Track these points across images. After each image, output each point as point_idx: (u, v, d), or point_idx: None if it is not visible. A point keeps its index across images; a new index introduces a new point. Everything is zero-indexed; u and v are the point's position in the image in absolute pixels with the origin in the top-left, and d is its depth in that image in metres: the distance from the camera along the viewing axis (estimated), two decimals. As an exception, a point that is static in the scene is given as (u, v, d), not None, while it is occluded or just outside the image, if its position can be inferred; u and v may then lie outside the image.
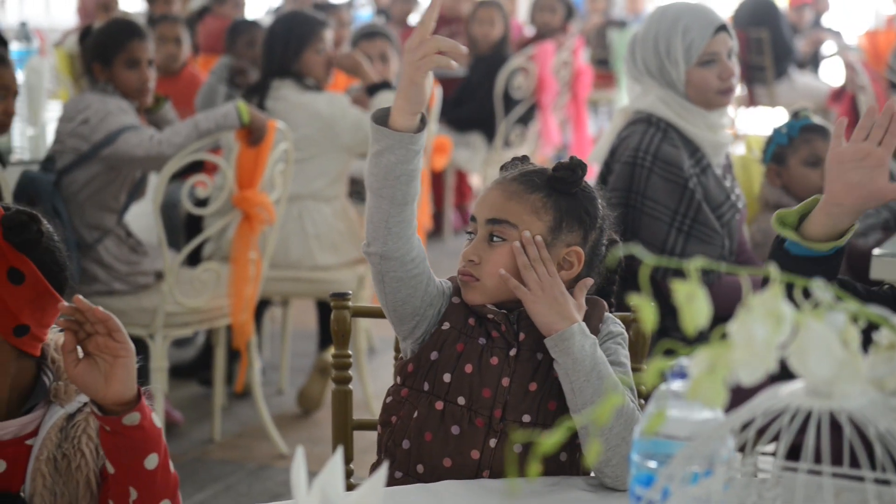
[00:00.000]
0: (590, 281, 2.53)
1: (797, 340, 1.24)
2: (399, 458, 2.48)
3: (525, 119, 8.49)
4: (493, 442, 2.43)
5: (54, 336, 2.18)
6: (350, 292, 2.75)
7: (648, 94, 3.86)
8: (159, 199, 4.57)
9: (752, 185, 4.43)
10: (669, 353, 1.28)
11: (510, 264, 2.47)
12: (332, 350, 5.55)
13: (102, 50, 4.71)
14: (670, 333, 3.69)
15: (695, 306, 1.17)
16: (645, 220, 3.77)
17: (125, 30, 4.79)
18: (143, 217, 5.50)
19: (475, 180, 9.38)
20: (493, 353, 2.46)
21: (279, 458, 5.03)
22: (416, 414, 2.47)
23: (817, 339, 1.22)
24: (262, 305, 5.77)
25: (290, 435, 5.22)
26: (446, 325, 2.49)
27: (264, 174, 4.74)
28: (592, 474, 2.40)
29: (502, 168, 2.63)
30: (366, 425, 2.73)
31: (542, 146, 8.72)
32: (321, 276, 5.35)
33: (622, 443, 2.30)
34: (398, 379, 2.54)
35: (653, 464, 1.48)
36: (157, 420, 2.04)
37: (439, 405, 2.45)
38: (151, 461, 2.02)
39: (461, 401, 2.44)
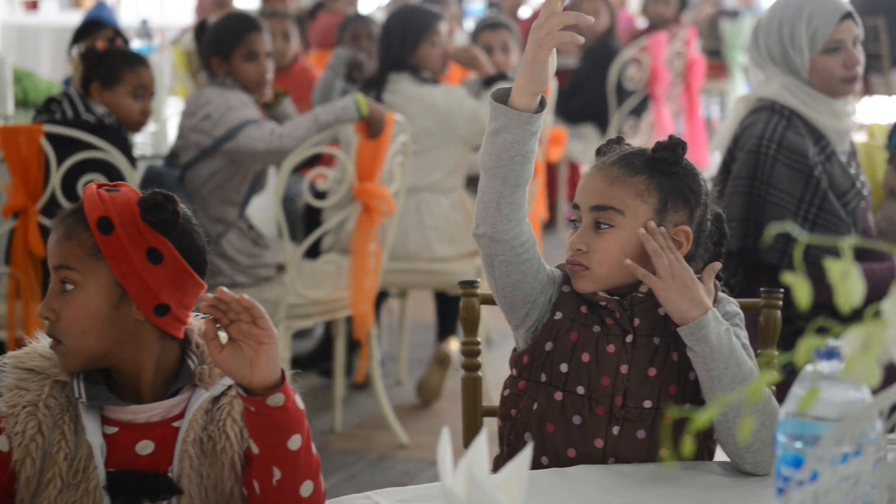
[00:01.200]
0: (717, 265, 2.49)
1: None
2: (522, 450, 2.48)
3: (638, 110, 8.47)
4: (615, 430, 2.42)
5: (197, 322, 2.23)
6: (478, 280, 2.76)
7: (772, 81, 3.83)
8: (280, 192, 4.63)
9: (875, 172, 4.38)
10: (822, 331, 1.28)
11: (618, 251, 2.44)
12: (450, 341, 5.64)
13: (220, 44, 4.78)
14: (794, 322, 3.67)
15: (849, 284, 1.17)
16: (770, 208, 3.74)
17: (242, 23, 4.86)
18: (262, 210, 5.57)
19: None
20: (608, 341, 2.44)
21: (399, 448, 5.07)
22: (535, 406, 2.46)
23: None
24: (380, 297, 5.81)
25: (409, 425, 5.26)
26: (559, 315, 2.47)
27: (383, 166, 4.78)
28: (728, 459, 2.39)
29: (598, 152, 2.59)
30: (494, 412, 2.75)
31: (655, 137, 8.68)
32: (439, 268, 5.38)
33: (762, 428, 2.29)
34: (514, 371, 2.54)
35: (799, 445, 1.48)
36: (300, 402, 2.08)
37: (558, 396, 2.44)
38: (295, 442, 2.06)
39: (580, 390, 2.43)
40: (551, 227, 8.55)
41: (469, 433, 2.74)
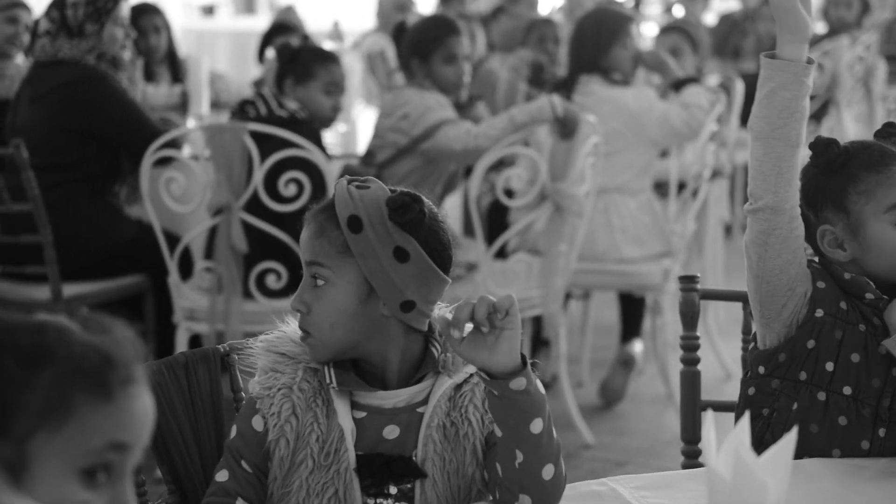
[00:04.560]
0: None
1: None
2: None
3: (818, 115, 8.37)
4: (882, 431, 2.40)
5: (440, 312, 2.28)
6: (699, 274, 2.77)
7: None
8: (475, 192, 4.68)
9: None
10: None
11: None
12: (634, 343, 5.64)
13: (421, 46, 4.86)
14: None
15: None
16: None
17: (442, 26, 4.94)
18: (449, 210, 5.63)
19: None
20: (878, 341, 2.40)
21: (584, 448, 5.09)
22: (795, 406, 2.43)
23: None
24: (564, 299, 5.84)
25: (593, 425, 5.26)
26: (819, 313, 2.43)
27: (576, 167, 4.80)
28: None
29: (876, 135, 2.56)
30: (714, 405, 2.75)
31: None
32: (626, 269, 5.39)
33: None
34: (761, 369, 2.49)
35: None
36: (541, 388, 2.11)
37: (821, 395, 2.42)
38: (537, 425, 2.09)
39: (846, 391, 2.40)
40: (728, 232, 8.50)
41: (687, 427, 2.75)
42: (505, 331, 2.06)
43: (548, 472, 2.12)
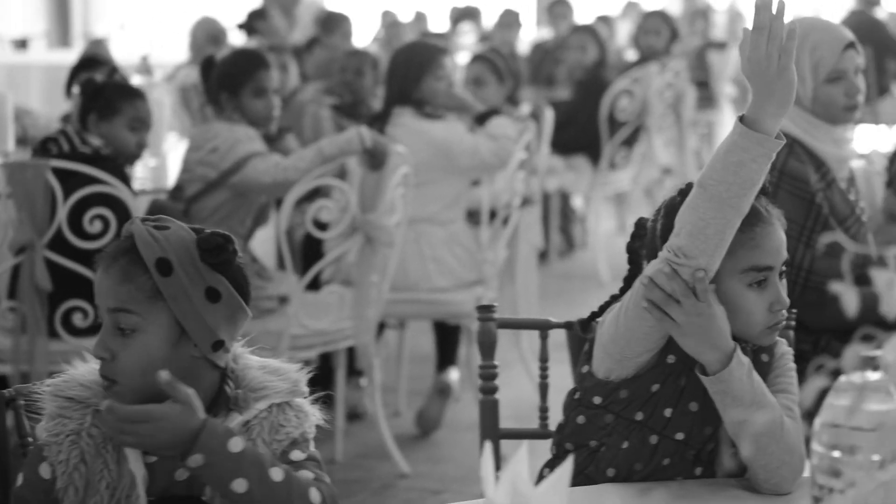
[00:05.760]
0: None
1: None
2: (601, 483, 2.44)
3: (630, 141, 8.54)
4: (698, 471, 2.45)
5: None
6: (496, 304, 2.80)
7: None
8: (284, 224, 4.67)
9: (874, 197, 4.43)
10: (867, 339, 1.32)
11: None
12: (450, 371, 5.68)
13: (230, 79, 4.83)
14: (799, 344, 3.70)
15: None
16: None
17: (252, 60, 4.92)
18: (262, 243, 5.61)
19: (578, 203, 9.43)
20: None
21: (400, 477, 5.09)
22: (625, 444, 2.45)
23: None
24: (379, 329, 5.85)
25: (409, 455, 5.28)
26: (671, 359, 2.43)
27: (385, 198, 4.82)
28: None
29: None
30: (512, 434, 2.78)
31: (646, 167, 8.76)
32: (439, 298, 5.42)
33: (782, 465, 2.32)
34: (597, 399, 2.48)
35: (837, 454, 1.52)
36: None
37: (654, 439, 2.44)
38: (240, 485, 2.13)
39: (679, 436, 2.44)
40: (544, 258, 8.61)
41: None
42: None
43: None
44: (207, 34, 8.50)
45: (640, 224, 2.59)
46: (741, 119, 2.31)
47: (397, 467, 5.13)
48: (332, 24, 8.52)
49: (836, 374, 1.49)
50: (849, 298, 1.27)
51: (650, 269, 2.38)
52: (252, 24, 8.33)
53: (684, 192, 2.44)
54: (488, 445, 1.63)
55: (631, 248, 2.58)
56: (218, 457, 2.07)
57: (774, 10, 2.28)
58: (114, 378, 2.19)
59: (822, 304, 3.55)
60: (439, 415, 5.63)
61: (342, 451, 5.28)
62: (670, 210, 2.46)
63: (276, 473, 2.13)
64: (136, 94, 4.68)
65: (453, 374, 5.74)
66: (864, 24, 10.86)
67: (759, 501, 2.30)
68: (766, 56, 2.28)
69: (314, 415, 2.30)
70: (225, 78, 4.86)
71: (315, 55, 7.81)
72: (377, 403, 5.17)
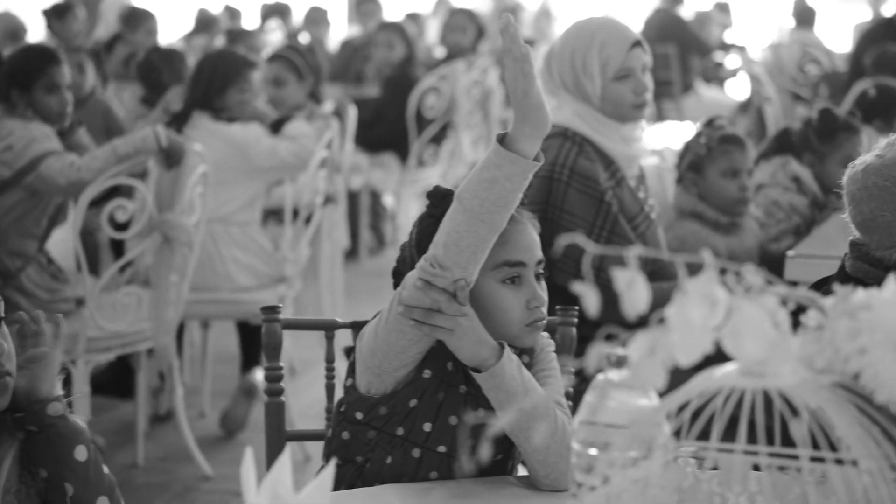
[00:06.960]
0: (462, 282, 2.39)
1: (731, 323, 1.30)
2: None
3: (438, 138, 8.56)
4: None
5: None
6: (281, 305, 2.77)
7: (564, 108, 3.90)
8: (78, 225, 4.58)
9: (666, 193, 4.51)
10: (610, 338, 1.33)
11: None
12: (255, 371, 5.62)
13: (21, 76, 4.72)
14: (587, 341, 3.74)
15: (635, 292, 1.22)
16: (563, 233, 3.80)
17: (43, 56, 4.81)
18: (62, 244, 5.48)
19: (389, 201, 9.43)
20: (479, 404, 2.45)
21: (204, 479, 5.03)
22: (389, 459, 2.45)
23: (750, 321, 1.28)
24: (181, 329, 5.77)
25: (213, 457, 5.22)
26: (427, 374, 2.44)
27: (183, 197, 4.76)
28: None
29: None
30: (298, 436, 2.76)
31: (454, 165, 8.79)
32: (241, 297, 5.37)
33: (560, 459, 2.34)
34: (359, 415, 2.48)
35: (593, 451, 1.53)
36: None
37: (416, 453, 2.44)
38: (80, 452, 2.10)
39: (441, 449, 2.44)
40: (353, 255, 8.58)
41: (273, 458, 2.74)
42: None
43: None
44: (5, 30, 8.29)
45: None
46: (501, 137, 2.33)
47: (200, 469, 5.07)
48: (136, 20, 8.39)
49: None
50: (590, 298, 1.28)
51: (407, 281, 2.39)
52: (51, 21, 8.12)
53: (432, 199, 2.52)
54: (249, 452, 1.60)
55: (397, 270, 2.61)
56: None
57: (511, 35, 2.31)
58: None
59: (610, 301, 3.59)
60: (245, 416, 5.58)
61: (143, 454, 5.19)
62: (421, 219, 2.52)
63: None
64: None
65: (259, 375, 5.69)
66: (668, 22, 11.10)
67: (537, 499, 2.32)
68: (513, 79, 2.31)
69: None
70: (16, 73, 4.74)
71: (117, 52, 7.67)
72: (179, 405, 5.10)
